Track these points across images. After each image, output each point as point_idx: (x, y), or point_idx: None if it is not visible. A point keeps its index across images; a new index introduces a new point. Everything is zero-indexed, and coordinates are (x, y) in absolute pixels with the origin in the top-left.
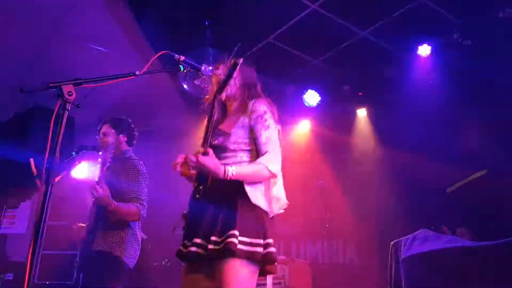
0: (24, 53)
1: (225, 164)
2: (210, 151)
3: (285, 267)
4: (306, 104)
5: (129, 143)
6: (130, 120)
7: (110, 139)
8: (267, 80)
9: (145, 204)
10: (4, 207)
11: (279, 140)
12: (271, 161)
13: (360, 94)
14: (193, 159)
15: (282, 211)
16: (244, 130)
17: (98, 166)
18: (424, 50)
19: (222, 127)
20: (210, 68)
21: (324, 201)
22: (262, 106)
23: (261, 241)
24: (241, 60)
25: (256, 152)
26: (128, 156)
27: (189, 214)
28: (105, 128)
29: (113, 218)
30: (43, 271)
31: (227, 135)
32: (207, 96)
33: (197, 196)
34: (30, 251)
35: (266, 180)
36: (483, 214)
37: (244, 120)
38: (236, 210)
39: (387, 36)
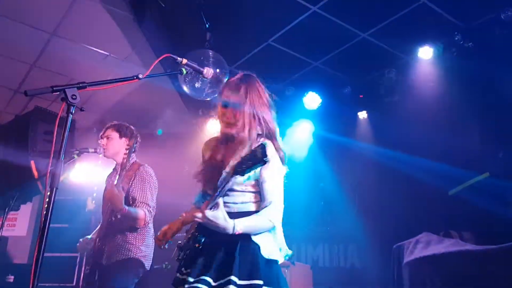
0: (24, 54)
1: (234, 203)
2: (220, 203)
3: (286, 270)
4: (307, 107)
5: (132, 148)
6: (132, 127)
7: (114, 142)
8: (267, 83)
9: (151, 210)
10: (6, 209)
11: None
12: (275, 213)
13: (361, 96)
14: (200, 215)
15: (285, 259)
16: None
17: (115, 170)
18: (425, 52)
19: (227, 166)
20: (212, 71)
21: (325, 204)
22: (271, 149)
23: None
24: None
25: (260, 195)
26: (133, 161)
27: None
28: (109, 132)
29: (124, 224)
30: (43, 273)
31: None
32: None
33: (198, 245)
34: (36, 253)
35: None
36: (485, 217)
37: None
38: (257, 261)
39: (388, 38)
